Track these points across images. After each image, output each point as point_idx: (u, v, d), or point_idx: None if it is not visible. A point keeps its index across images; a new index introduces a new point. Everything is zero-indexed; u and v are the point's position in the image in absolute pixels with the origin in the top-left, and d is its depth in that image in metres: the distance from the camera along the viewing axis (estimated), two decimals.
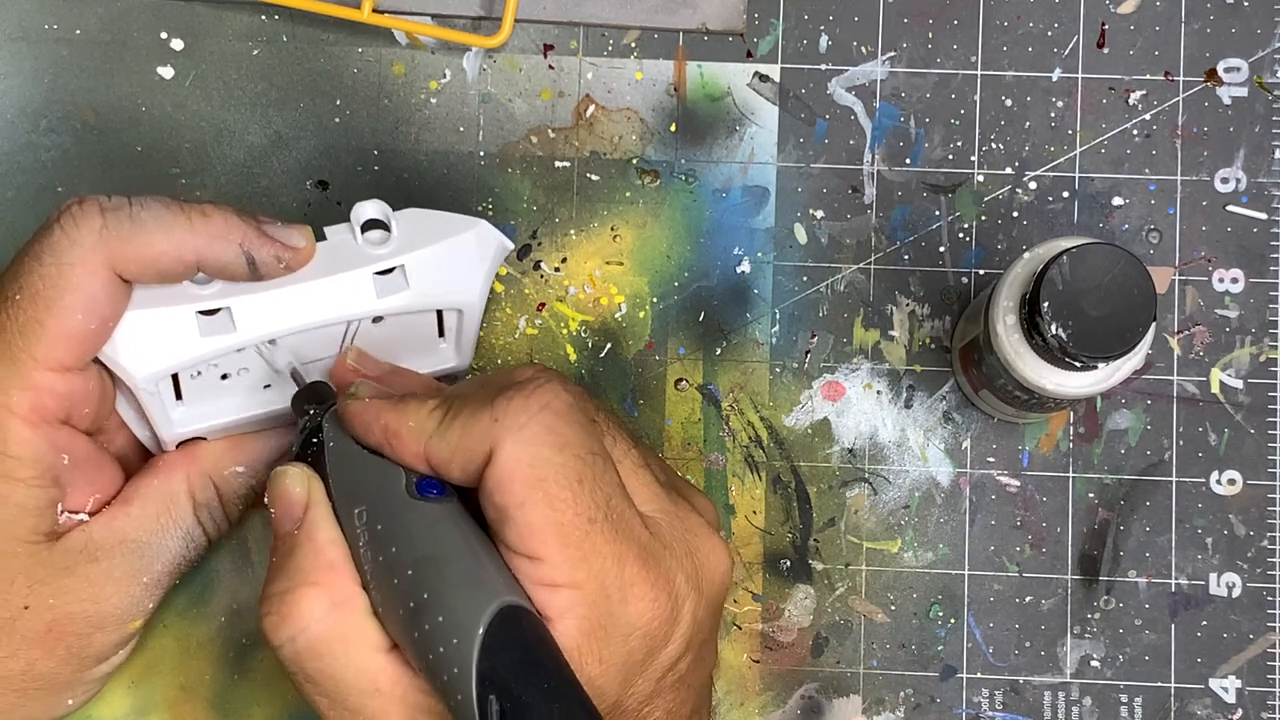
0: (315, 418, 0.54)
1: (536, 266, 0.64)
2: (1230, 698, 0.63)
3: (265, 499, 0.52)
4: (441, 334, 0.59)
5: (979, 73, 0.65)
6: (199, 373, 0.55)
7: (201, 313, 0.53)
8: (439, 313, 0.57)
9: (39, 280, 0.50)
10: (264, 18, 0.65)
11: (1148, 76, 0.65)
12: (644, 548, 0.50)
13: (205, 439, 0.57)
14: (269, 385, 0.57)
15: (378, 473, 0.50)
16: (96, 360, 0.53)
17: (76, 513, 0.54)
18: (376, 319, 0.56)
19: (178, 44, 0.65)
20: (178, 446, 0.57)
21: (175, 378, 0.55)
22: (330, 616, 0.48)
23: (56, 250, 0.50)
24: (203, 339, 0.53)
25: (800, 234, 0.65)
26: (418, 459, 0.50)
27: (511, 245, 0.57)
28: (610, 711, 0.49)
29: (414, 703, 0.48)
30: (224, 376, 0.56)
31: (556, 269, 0.64)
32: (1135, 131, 0.65)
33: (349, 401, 0.52)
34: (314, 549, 0.50)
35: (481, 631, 0.45)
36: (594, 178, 0.65)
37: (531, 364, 0.58)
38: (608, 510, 0.49)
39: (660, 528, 0.51)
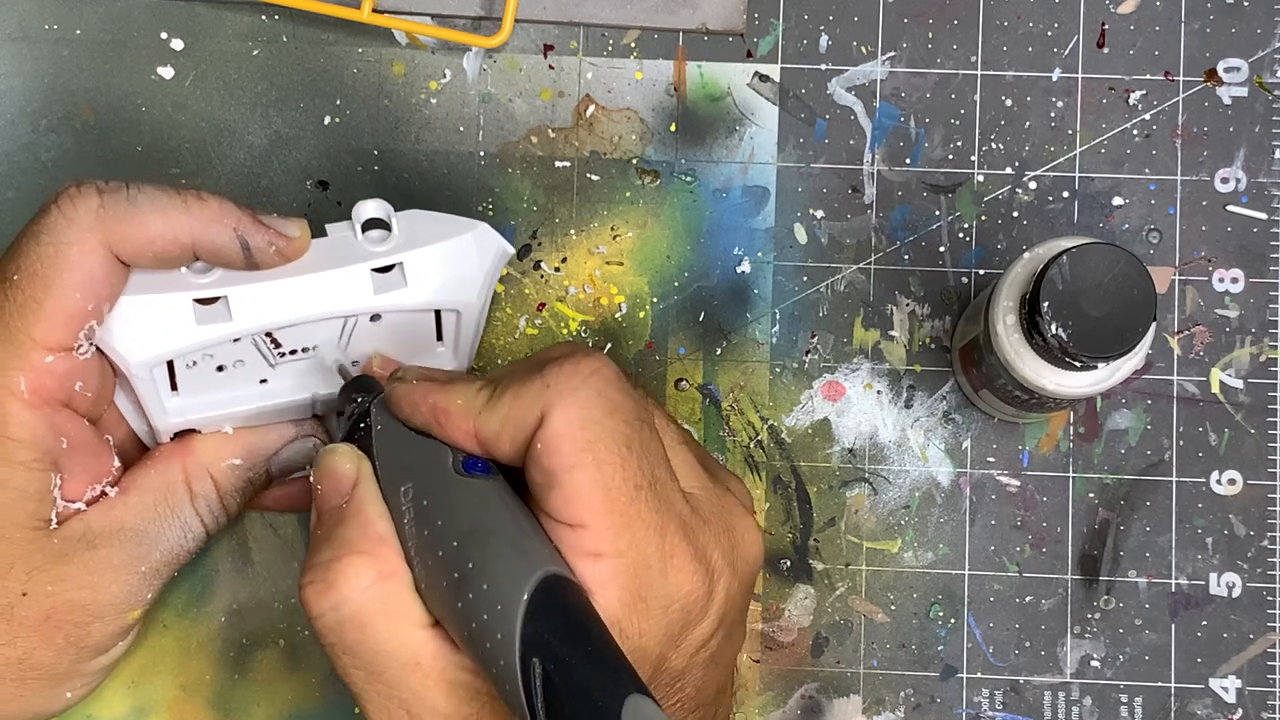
0: (363, 404, 0.55)
1: (536, 266, 0.64)
2: (1230, 698, 0.63)
3: (310, 476, 0.53)
4: (440, 337, 0.59)
5: (979, 73, 0.65)
6: (194, 363, 0.55)
7: (198, 301, 0.53)
8: (437, 315, 0.58)
9: (37, 260, 0.51)
10: (264, 18, 0.65)
11: (1148, 76, 0.65)
12: (684, 521, 0.50)
13: (200, 431, 0.58)
14: (265, 380, 0.57)
15: (424, 452, 0.51)
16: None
17: (73, 502, 0.54)
18: (374, 318, 0.56)
19: (178, 44, 0.65)
20: (174, 438, 0.57)
21: (171, 367, 0.55)
22: (376, 587, 0.49)
23: (54, 230, 0.51)
24: (198, 327, 0.53)
25: (800, 234, 0.65)
26: (466, 436, 0.50)
27: (512, 250, 0.57)
28: (646, 682, 0.49)
29: (452, 678, 0.49)
30: (220, 369, 0.56)
31: (556, 269, 0.64)
32: (1135, 131, 0.65)
33: (397, 384, 0.53)
34: (363, 521, 0.50)
35: (525, 598, 0.45)
36: (594, 178, 0.65)
37: (563, 342, 0.58)
38: (652, 480, 0.49)
39: (699, 503, 0.52)
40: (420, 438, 0.52)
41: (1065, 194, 0.65)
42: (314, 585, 0.49)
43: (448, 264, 0.55)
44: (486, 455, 0.50)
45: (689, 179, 0.65)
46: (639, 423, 0.50)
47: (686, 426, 0.64)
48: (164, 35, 0.65)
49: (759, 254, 0.64)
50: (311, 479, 0.53)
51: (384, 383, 0.57)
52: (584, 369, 0.49)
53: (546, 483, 0.49)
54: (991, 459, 0.64)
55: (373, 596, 0.49)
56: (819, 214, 0.65)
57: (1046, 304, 0.53)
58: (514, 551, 0.47)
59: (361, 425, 0.54)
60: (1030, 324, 0.54)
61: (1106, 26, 0.65)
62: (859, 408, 0.64)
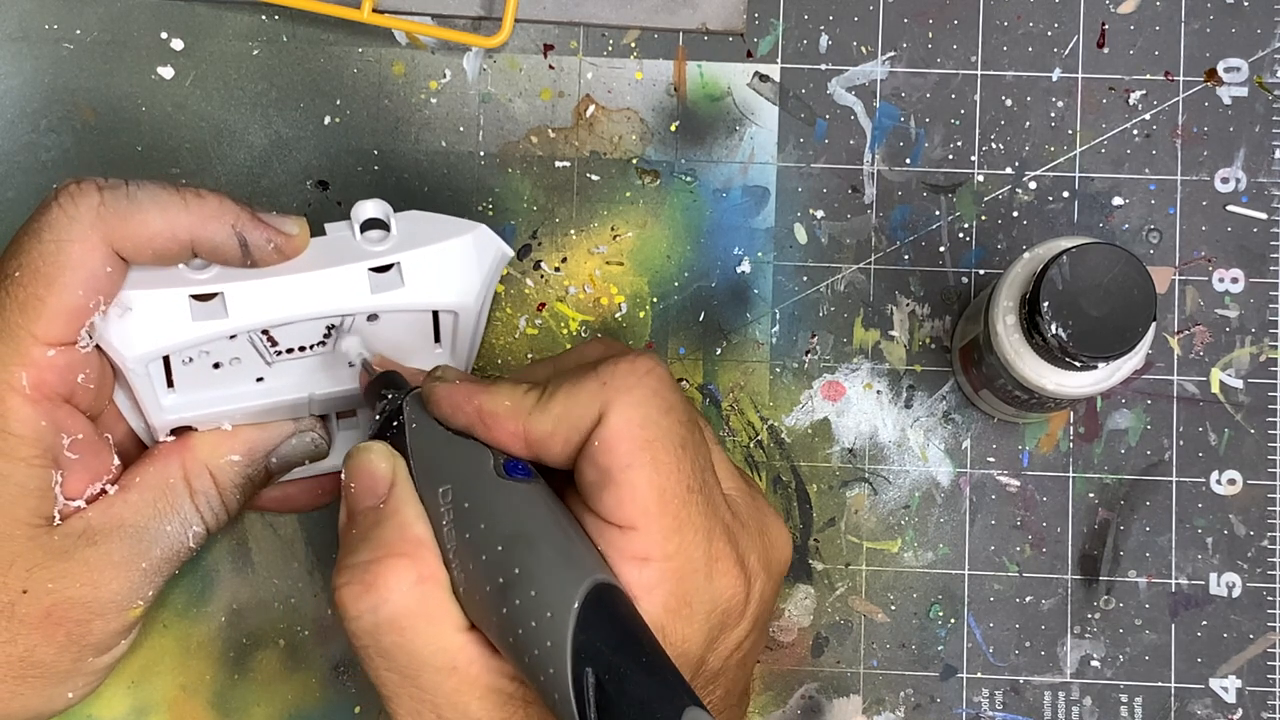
0: (395, 401, 0.54)
1: (536, 266, 0.64)
2: (1230, 698, 0.63)
3: (342, 475, 0.52)
4: (438, 339, 0.59)
5: (979, 73, 0.65)
6: (190, 359, 0.55)
7: (195, 297, 0.53)
8: (435, 317, 0.57)
9: (39, 257, 0.51)
10: (264, 18, 0.65)
11: (1148, 76, 0.65)
12: (727, 525, 0.50)
13: (197, 429, 0.58)
14: (261, 378, 0.57)
15: (464, 453, 0.51)
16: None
17: (73, 500, 0.54)
18: (372, 318, 0.56)
19: (178, 44, 0.65)
20: (172, 435, 0.57)
21: (168, 364, 0.55)
22: (416, 590, 0.48)
23: (55, 227, 0.51)
24: (195, 323, 0.53)
25: (800, 234, 0.65)
26: (514, 438, 0.50)
27: (511, 253, 0.57)
28: None
29: (488, 684, 0.48)
30: (216, 366, 0.56)
31: (556, 269, 0.64)
32: (1135, 131, 0.65)
33: (437, 384, 0.52)
34: (400, 523, 0.50)
35: (577, 605, 0.45)
36: (594, 178, 0.65)
37: (597, 340, 0.58)
38: (703, 483, 0.49)
39: (738, 505, 0.52)
40: (458, 438, 0.51)
41: (1065, 194, 0.65)
42: (351, 587, 0.49)
43: (446, 265, 0.55)
44: (534, 457, 0.50)
45: (689, 179, 0.65)
46: (691, 423, 0.50)
47: None
48: (164, 35, 0.65)
49: (759, 254, 0.64)
50: (343, 477, 0.52)
51: (403, 377, 0.56)
52: (640, 368, 0.49)
53: (601, 482, 0.48)
54: (991, 459, 0.64)
55: (412, 599, 0.48)
56: (819, 214, 0.65)
57: (1046, 304, 0.53)
58: (562, 558, 0.47)
59: (394, 423, 0.53)
60: (1030, 324, 0.54)
61: (1106, 26, 0.65)
62: (859, 408, 0.64)
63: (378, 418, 0.54)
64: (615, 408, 0.48)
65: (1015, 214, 0.65)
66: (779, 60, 0.65)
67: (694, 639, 0.49)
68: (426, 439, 0.52)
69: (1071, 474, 0.64)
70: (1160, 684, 0.63)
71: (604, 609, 0.46)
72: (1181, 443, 0.64)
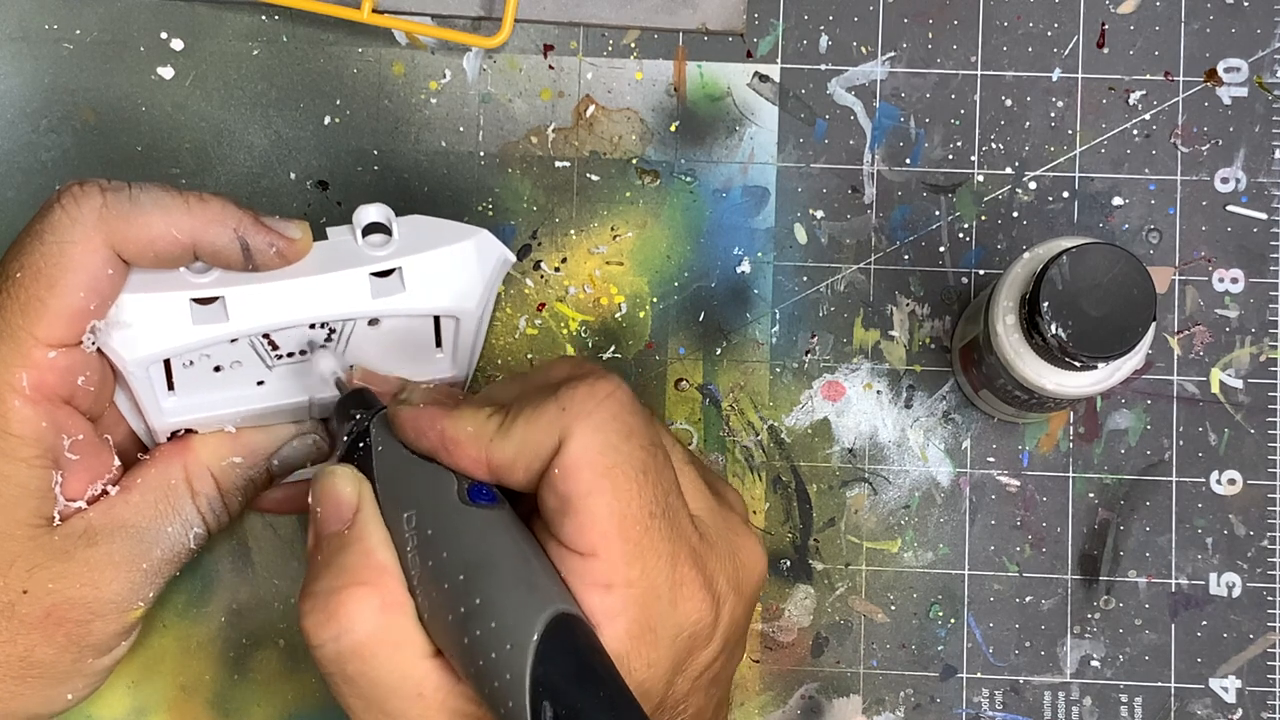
0: (362, 422, 0.53)
1: (536, 266, 0.64)
2: (1230, 698, 0.63)
3: (309, 498, 0.52)
4: (439, 344, 0.58)
5: (979, 73, 0.65)
6: (191, 363, 0.55)
7: (196, 301, 0.53)
8: (437, 322, 0.57)
9: (40, 259, 0.51)
10: (264, 18, 0.65)
11: (1148, 76, 0.65)
12: (693, 549, 0.50)
13: (197, 431, 0.58)
14: (262, 382, 0.57)
15: (428, 478, 0.50)
16: None
17: (74, 501, 0.54)
18: (373, 322, 0.56)
19: (178, 44, 0.65)
20: (173, 437, 0.57)
21: (168, 367, 0.55)
22: (379, 619, 0.48)
23: (58, 229, 0.51)
24: (195, 326, 0.53)
25: (800, 234, 0.65)
26: (477, 464, 0.49)
27: (514, 258, 0.57)
28: (653, 713, 0.49)
29: (455, 709, 0.48)
30: (217, 369, 0.56)
31: (556, 269, 0.64)
32: (1135, 131, 0.65)
33: (401, 407, 0.52)
34: (364, 550, 0.49)
35: (536, 638, 0.45)
36: (594, 178, 0.65)
37: (566, 358, 0.58)
38: (666, 507, 0.49)
39: (706, 527, 0.51)
40: (424, 462, 0.51)
41: (1065, 194, 0.65)
42: (314, 615, 0.48)
43: (447, 270, 0.55)
44: (498, 483, 0.50)
45: (689, 179, 0.65)
46: (654, 447, 0.49)
47: (686, 427, 0.64)
48: (164, 35, 0.65)
49: (759, 254, 0.64)
50: (310, 500, 0.52)
51: (374, 396, 0.56)
52: (599, 392, 0.48)
53: (561, 509, 0.48)
54: (991, 459, 0.64)
55: (376, 628, 0.48)
56: (819, 214, 0.65)
57: (1046, 304, 0.53)
58: (523, 587, 0.46)
59: (361, 445, 0.53)
60: (1030, 324, 0.54)
61: (1106, 26, 0.65)
62: (859, 408, 0.64)
63: (345, 439, 0.54)
64: (575, 434, 0.48)
65: (1015, 214, 0.65)
66: (779, 60, 0.65)
67: (659, 664, 0.49)
68: (392, 462, 0.52)
69: (1071, 474, 0.64)
70: (1160, 684, 0.63)
71: (564, 641, 0.45)
72: (1181, 443, 0.64)
